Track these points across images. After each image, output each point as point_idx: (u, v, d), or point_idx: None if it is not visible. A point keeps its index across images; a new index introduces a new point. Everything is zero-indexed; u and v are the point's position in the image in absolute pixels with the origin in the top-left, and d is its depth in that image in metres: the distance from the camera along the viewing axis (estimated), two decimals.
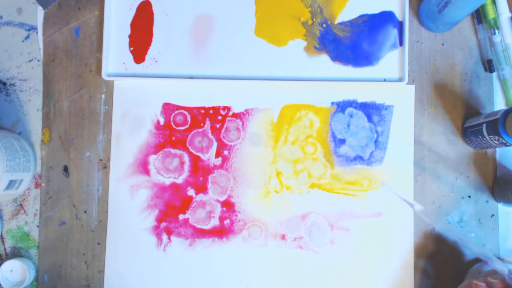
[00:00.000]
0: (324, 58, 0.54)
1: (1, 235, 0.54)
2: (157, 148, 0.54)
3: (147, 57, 0.54)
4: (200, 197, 0.54)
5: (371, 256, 0.53)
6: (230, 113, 0.54)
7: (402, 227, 0.53)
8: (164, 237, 0.53)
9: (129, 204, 0.54)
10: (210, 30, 0.54)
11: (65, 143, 0.54)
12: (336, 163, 0.54)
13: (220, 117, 0.54)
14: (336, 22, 0.54)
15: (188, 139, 0.54)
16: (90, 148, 0.54)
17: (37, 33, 0.55)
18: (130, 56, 0.54)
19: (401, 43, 0.54)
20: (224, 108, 0.54)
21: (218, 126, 0.54)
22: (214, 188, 0.54)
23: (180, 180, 0.54)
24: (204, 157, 0.54)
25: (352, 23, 0.54)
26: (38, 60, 0.55)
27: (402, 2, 0.54)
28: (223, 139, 0.54)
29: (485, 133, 0.48)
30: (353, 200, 0.53)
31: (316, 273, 0.53)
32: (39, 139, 0.55)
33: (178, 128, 0.54)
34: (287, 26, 0.54)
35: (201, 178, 0.54)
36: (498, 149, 0.54)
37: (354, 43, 0.54)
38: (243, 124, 0.54)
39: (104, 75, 0.54)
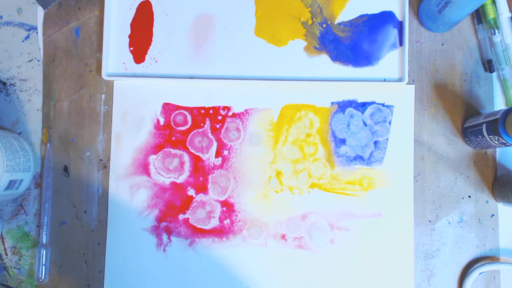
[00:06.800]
0: (324, 58, 0.54)
1: (1, 235, 0.54)
2: (157, 148, 0.54)
3: (147, 57, 0.54)
4: (200, 197, 0.54)
5: (371, 256, 0.53)
6: (230, 113, 0.54)
7: (402, 227, 0.53)
8: (164, 237, 0.53)
9: (129, 204, 0.54)
10: (210, 30, 0.54)
11: (65, 143, 0.54)
12: (336, 163, 0.54)
13: (220, 117, 0.54)
14: (336, 22, 0.54)
15: (188, 139, 0.54)
16: (90, 148, 0.54)
17: (37, 33, 0.55)
18: (130, 56, 0.54)
19: (401, 43, 0.54)
20: (224, 108, 0.54)
21: (218, 126, 0.54)
22: (214, 188, 0.54)
23: (180, 180, 0.54)
24: (204, 157, 0.54)
25: (352, 23, 0.54)
26: (38, 60, 0.55)
27: (402, 2, 0.54)
28: (223, 139, 0.54)
29: (485, 133, 0.48)
30: (353, 200, 0.53)
31: (316, 273, 0.53)
32: (39, 139, 0.55)
33: (178, 128, 0.54)
34: (287, 26, 0.54)
35: (201, 178, 0.54)
36: (498, 149, 0.54)
37: (354, 43, 0.54)
38: (243, 124, 0.54)
39: (104, 75, 0.54)
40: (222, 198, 0.54)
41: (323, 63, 0.54)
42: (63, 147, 0.54)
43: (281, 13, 0.54)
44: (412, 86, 0.54)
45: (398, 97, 0.54)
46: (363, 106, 0.54)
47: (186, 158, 0.54)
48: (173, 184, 0.54)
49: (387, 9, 0.54)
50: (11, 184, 0.50)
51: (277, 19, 0.54)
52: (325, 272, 0.53)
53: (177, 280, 0.53)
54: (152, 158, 0.54)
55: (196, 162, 0.54)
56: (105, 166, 0.54)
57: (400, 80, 0.53)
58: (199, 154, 0.54)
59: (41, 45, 0.55)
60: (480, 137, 0.49)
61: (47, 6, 0.55)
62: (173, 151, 0.54)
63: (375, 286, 0.52)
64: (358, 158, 0.54)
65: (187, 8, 0.55)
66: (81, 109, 0.55)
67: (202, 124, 0.54)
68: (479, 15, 0.53)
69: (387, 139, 0.54)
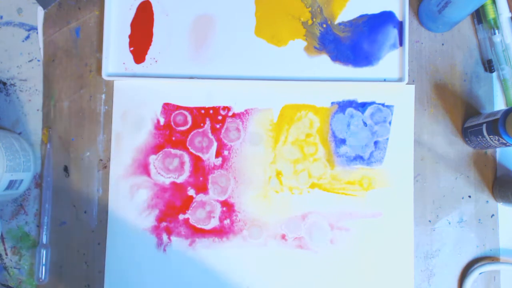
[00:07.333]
0: (324, 58, 0.54)
1: (1, 235, 0.54)
2: (157, 148, 0.54)
3: (147, 57, 0.54)
4: (200, 197, 0.54)
5: (371, 256, 0.53)
6: (230, 113, 0.54)
7: (402, 227, 0.53)
8: (164, 237, 0.53)
9: (129, 204, 0.54)
10: (210, 30, 0.54)
11: (65, 143, 0.54)
12: (336, 163, 0.54)
13: (220, 117, 0.54)
14: (336, 22, 0.54)
15: (188, 139, 0.54)
16: (90, 148, 0.54)
17: (37, 33, 0.55)
18: (130, 56, 0.54)
19: (401, 43, 0.54)
20: (224, 108, 0.54)
21: (218, 126, 0.54)
22: (214, 188, 0.54)
23: (180, 180, 0.54)
24: (204, 157, 0.54)
25: (352, 23, 0.54)
26: (38, 60, 0.55)
27: (402, 2, 0.54)
28: (223, 139, 0.54)
29: (485, 133, 0.48)
30: (353, 200, 0.53)
31: (316, 273, 0.53)
32: (39, 139, 0.55)
33: (178, 128, 0.54)
34: (287, 26, 0.54)
35: (201, 178, 0.54)
36: (498, 149, 0.54)
37: (354, 43, 0.54)
38: (243, 124, 0.54)
39: (104, 75, 0.54)
40: (222, 198, 0.54)
41: (323, 63, 0.54)
42: (63, 147, 0.54)
43: (281, 13, 0.54)
44: (412, 86, 0.54)
45: (398, 97, 0.54)
46: (363, 106, 0.54)
47: (186, 158, 0.54)
48: (173, 184, 0.54)
49: (387, 9, 0.54)
50: (11, 184, 0.50)
51: (277, 19, 0.54)
52: (325, 272, 0.53)
53: (177, 280, 0.53)
54: (152, 158, 0.54)
55: (196, 162, 0.54)
56: (105, 166, 0.54)
57: (400, 80, 0.53)
58: (199, 154, 0.54)
59: (41, 45, 0.55)
60: (480, 137, 0.49)
61: (47, 6, 0.55)
62: (173, 151, 0.54)
63: (375, 286, 0.52)
64: (358, 158, 0.54)
65: (187, 8, 0.55)
66: (81, 109, 0.55)
67: (202, 124, 0.54)
68: (479, 15, 0.53)
69: (387, 139, 0.54)
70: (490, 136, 0.48)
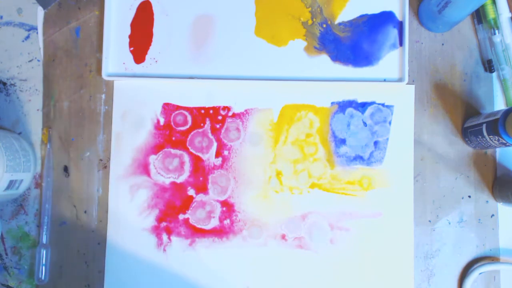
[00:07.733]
0: (324, 58, 0.54)
1: (1, 235, 0.54)
2: (157, 148, 0.54)
3: (147, 57, 0.54)
4: (200, 197, 0.54)
5: (371, 256, 0.53)
6: (230, 113, 0.54)
7: (402, 227, 0.53)
8: (164, 237, 0.53)
9: (129, 204, 0.54)
10: (210, 30, 0.54)
11: (65, 143, 0.54)
12: (336, 163, 0.54)
13: (220, 117, 0.54)
14: (336, 22, 0.54)
15: (188, 139, 0.54)
16: (90, 148, 0.54)
17: (37, 33, 0.55)
18: (130, 56, 0.54)
19: (401, 43, 0.54)
20: (224, 108, 0.54)
21: (218, 126, 0.54)
22: (214, 188, 0.54)
23: (180, 180, 0.54)
24: (204, 157, 0.54)
25: (352, 23, 0.54)
26: (38, 60, 0.55)
27: (402, 2, 0.54)
28: (223, 139, 0.54)
29: (485, 133, 0.48)
30: (353, 200, 0.53)
31: (316, 273, 0.53)
32: (39, 139, 0.55)
33: (178, 128, 0.54)
34: (287, 26, 0.54)
35: (201, 178, 0.54)
36: (498, 149, 0.54)
37: (354, 43, 0.54)
38: (243, 124, 0.54)
39: (104, 75, 0.54)
40: (222, 198, 0.54)
41: (323, 63, 0.54)
42: (63, 147, 0.54)
43: (281, 13, 0.54)
44: (412, 86, 0.54)
45: (398, 97, 0.54)
46: (363, 106, 0.54)
47: (186, 158, 0.54)
48: (173, 184, 0.54)
49: (387, 9, 0.54)
50: (11, 184, 0.50)
51: (277, 19, 0.54)
52: (325, 272, 0.53)
53: (177, 280, 0.53)
54: (152, 158, 0.54)
55: (196, 162, 0.54)
56: (105, 166, 0.54)
57: (400, 80, 0.53)
58: (199, 154, 0.54)
59: (41, 45, 0.55)
60: (480, 137, 0.49)
61: (47, 6, 0.55)
62: (173, 151, 0.54)
63: (375, 286, 0.52)
64: (358, 158, 0.54)
65: (187, 8, 0.55)
66: (81, 109, 0.55)
67: (202, 124, 0.54)
68: (479, 15, 0.53)
69: (387, 139, 0.54)
70: (490, 136, 0.48)
